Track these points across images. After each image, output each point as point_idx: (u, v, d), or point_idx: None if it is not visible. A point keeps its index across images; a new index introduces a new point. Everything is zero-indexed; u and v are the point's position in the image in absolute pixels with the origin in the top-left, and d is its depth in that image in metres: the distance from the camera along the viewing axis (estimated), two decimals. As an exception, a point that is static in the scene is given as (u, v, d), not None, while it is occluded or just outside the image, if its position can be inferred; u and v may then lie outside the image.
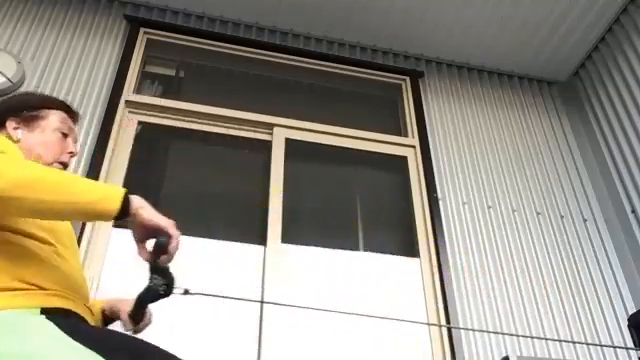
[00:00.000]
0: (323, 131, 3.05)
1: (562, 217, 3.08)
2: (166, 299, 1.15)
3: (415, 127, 3.21)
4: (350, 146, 3.07)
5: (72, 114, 1.45)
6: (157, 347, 1.06)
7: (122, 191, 1.08)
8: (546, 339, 2.59)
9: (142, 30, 3.12)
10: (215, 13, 3.29)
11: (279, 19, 3.32)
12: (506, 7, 3.19)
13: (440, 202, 2.92)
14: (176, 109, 2.89)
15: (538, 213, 3.06)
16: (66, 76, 2.82)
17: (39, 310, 1.06)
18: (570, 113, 3.58)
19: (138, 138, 2.78)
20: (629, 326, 2.64)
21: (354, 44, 3.48)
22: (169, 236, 1.09)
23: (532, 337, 2.57)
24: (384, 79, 3.44)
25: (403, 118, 3.31)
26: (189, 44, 3.19)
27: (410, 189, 2.97)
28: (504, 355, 2.38)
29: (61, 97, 2.70)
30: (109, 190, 1.08)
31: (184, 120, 2.89)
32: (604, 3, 3.18)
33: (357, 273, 2.60)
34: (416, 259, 2.72)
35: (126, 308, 1.32)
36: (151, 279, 1.14)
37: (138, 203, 1.10)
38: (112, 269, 2.32)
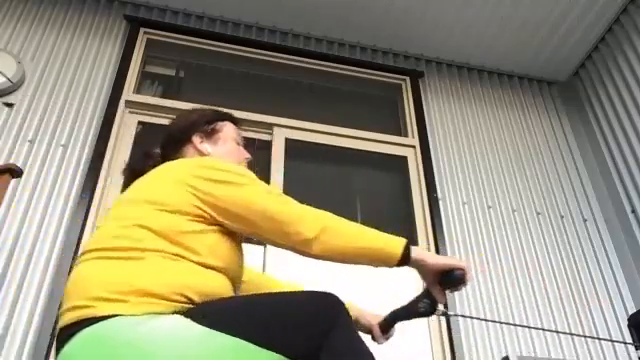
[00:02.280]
0: (323, 131, 3.05)
1: (562, 217, 3.08)
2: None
3: (415, 127, 3.21)
4: (350, 146, 3.07)
5: (238, 124, 1.54)
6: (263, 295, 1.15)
7: (403, 240, 1.19)
8: (544, 329, 2.59)
9: (142, 30, 3.12)
10: (215, 13, 3.29)
11: (279, 19, 3.32)
12: (506, 7, 3.19)
13: (440, 202, 2.92)
14: (176, 109, 2.89)
15: (538, 213, 3.06)
16: (66, 76, 2.82)
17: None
18: (570, 113, 3.58)
19: (138, 138, 2.78)
20: (629, 326, 2.64)
21: (354, 44, 3.48)
22: (463, 269, 1.21)
23: (530, 327, 2.57)
24: (384, 79, 3.44)
25: (403, 118, 3.31)
26: (189, 44, 3.19)
27: (410, 189, 2.97)
28: (504, 355, 2.37)
29: (61, 97, 2.73)
30: (392, 238, 1.20)
31: (184, 120, 2.89)
32: (604, 3, 3.18)
33: (357, 273, 2.60)
34: (416, 259, 2.71)
35: (375, 321, 1.43)
36: (420, 300, 1.30)
37: (419, 252, 1.21)
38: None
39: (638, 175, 2.96)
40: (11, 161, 2.44)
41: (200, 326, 0.99)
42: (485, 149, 3.24)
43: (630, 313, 2.73)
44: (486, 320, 2.54)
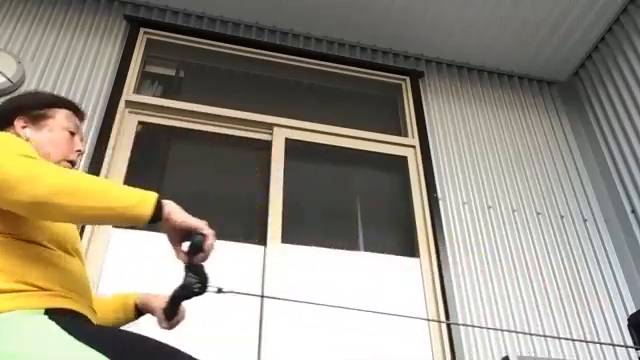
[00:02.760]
0: (323, 131, 3.05)
1: (562, 217, 3.08)
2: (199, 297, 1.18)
3: (415, 127, 3.21)
4: (350, 146, 3.07)
5: (78, 113, 1.47)
6: (167, 345, 1.05)
7: (154, 196, 1.10)
8: (544, 336, 2.59)
9: (142, 30, 3.12)
10: (215, 13, 3.29)
11: (279, 19, 3.32)
12: (506, 7, 3.19)
13: (440, 202, 2.92)
14: (176, 109, 2.89)
15: (538, 213, 3.06)
16: (66, 76, 2.82)
17: (43, 311, 1.06)
18: (570, 113, 3.58)
19: (138, 138, 2.78)
20: (629, 326, 2.64)
21: (354, 44, 3.48)
22: (204, 235, 1.12)
23: (530, 334, 2.57)
24: (384, 79, 3.44)
25: (403, 118, 3.31)
26: (189, 44, 3.19)
27: (410, 189, 2.97)
28: (504, 355, 2.37)
29: (61, 97, 2.73)
30: (142, 195, 1.10)
31: (184, 120, 2.89)
32: (604, 3, 3.18)
33: (357, 273, 2.60)
34: (416, 259, 2.72)
35: (160, 304, 1.35)
36: (186, 277, 1.16)
37: (170, 207, 1.12)
38: (112, 268, 2.32)
39: (638, 175, 2.96)
40: (11, 161, 2.44)
41: (68, 336, 0.98)
42: (485, 149, 3.24)
43: (630, 313, 2.73)
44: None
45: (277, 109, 3.05)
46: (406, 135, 3.21)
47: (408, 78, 3.42)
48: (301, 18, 3.30)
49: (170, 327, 1.34)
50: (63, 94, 2.74)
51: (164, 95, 3.08)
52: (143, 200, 1.09)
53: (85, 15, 3.09)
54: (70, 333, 1.00)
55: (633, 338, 2.56)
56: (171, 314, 1.33)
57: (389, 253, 2.71)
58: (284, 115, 3.03)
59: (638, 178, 2.96)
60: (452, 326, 2.49)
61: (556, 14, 3.23)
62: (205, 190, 2.80)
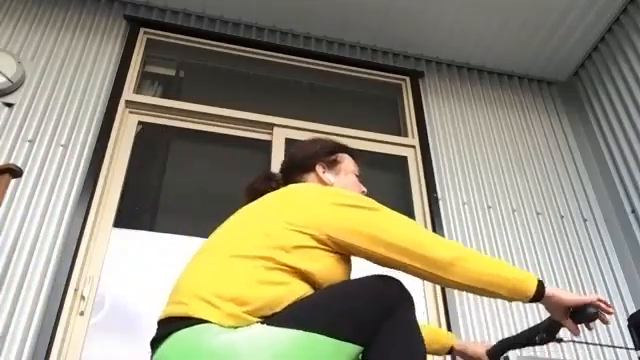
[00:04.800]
0: (323, 131, 3.05)
1: (562, 217, 3.08)
2: None
3: (415, 127, 3.21)
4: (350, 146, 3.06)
5: (356, 157, 1.59)
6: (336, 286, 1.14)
7: (536, 277, 1.21)
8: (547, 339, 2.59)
9: (142, 30, 3.12)
10: (215, 13, 3.29)
11: (279, 19, 3.32)
12: (506, 7, 3.19)
13: (440, 202, 2.92)
14: (176, 109, 2.89)
15: (538, 213, 3.06)
16: (66, 76, 2.82)
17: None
18: (570, 113, 3.58)
19: (138, 138, 2.78)
20: (629, 326, 2.63)
21: (354, 44, 3.48)
22: (598, 307, 1.22)
23: (531, 335, 2.57)
24: (384, 79, 3.44)
25: (403, 118, 3.31)
26: (189, 44, 3.19)
27: (410, 189, 2.97)
28: (504, 355, 2.37)
29: (61, 97, 2.74)
30: (526, 273, 1.20)
31: (184, 120, 2.89)
32: (604, 3, 3.18)
33: (357, 273, 2.60)
34: (416, 259, 2.71)
35: (482, 351, 1.48)
36: (539, 331, 1.32)
37: (552, 288, 1.23)
38: (112, 269, 2.33)
39: (638, 175, 2.96)
40: (11, 161, 2.45)
41: (274, 328, 1.02)
42: (485, 149, 3.24)
43: (630, 313, 2.73)
44: (599, 345, 2.53)
45: (277, 109, 3.05)
46: (406, 135, 3.21)
47: (408, 78, 3.42)
48: (301, 18, 3.30)
49: None
50: (63, 94, 2.75)
51: (164, 95, 3.08)
52: (529, 277, 1.19)
53: (85, 15, 3.09)
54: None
55: (633, 338, 2.56)
56: (496, 359, 1.44)
57: (389, 253, 2.70)
58: (284, 115, 3.03)
59: (638, 178, 2.96)
60: (453, 327, 2.49)
61: (556, 14, 3.23)
62: (205, 190, 2.80)
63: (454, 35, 3.38)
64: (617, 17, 3.26)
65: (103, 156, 2.59)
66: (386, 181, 3.18)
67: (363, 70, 3.40)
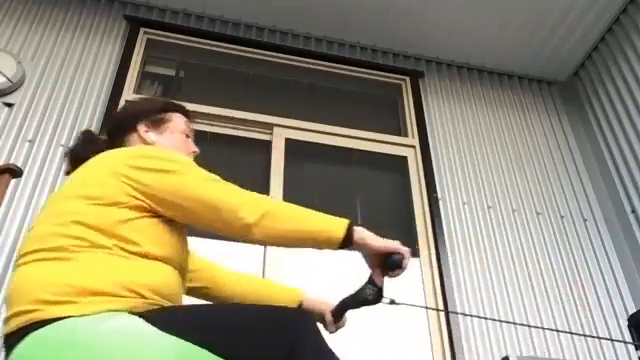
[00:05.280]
0: (323, 131, 3.05)
1: (562, 217, 3.08)
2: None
3: (415, 127, 3.21)
4: (350, 146, 3.06)
5: (189, 116, 1.49)
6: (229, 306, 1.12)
7: (346, 221, 1.18)
8: (544, 328, 2.59)
9: (142, 30, 3.12)
10: (215, 13, 3.29)
11: (279, 19, 3.32)
12: (506, 7, 3.18)
13: (440, 202, 2.92)
14: (176, 109, 2.89)
15: (538, 213, 3.06)
16: (66, 76, 2.82)
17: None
18: (570, 113, 3.58)
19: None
20: (629, 326, 2.64)
21: (354, 44, 3.48)
22: (401, 254, 1.21)
23: (530, 326, 2.57)
24: (384, 79, 3.44)
25: (403, 118, 3.31)
26: (189, 44, 3.19)
27: (410, 189, 2.97)
28: (504, 355, 2.37)
29: (61, 97, 2.73)
30: (334, 220, 1.18)
31: (184, 120, 2.89)
32: (604, 3, 3.18)
33: (357, 273, 2.60)
34: (416, 259, 2.72)
35: (328, 309, 1.42)
36: (365, 287, 1.28)
37: (363, 234, 1.19)
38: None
39: (638, 175, 2.96)
40: (11, 161, 2.44)
41: (155, 328, 0.97)
42: (485, 149, 3.24)
43: (630, 313, 2.73)
44: (449, 312, 2.54)
45: (277, 109, 3.05)
46: (406, 135, 3.21)
47: (408, 78, 3.42)
48: (301, 18, 3.30)
49: (333, 332, 1.41)
50: (63, 94, 2.75)
51: (164, 95, 3.08)
52: (336, 224, 1.16)
53: (85, 15, 3.09)
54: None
55: (633, 338, 2.56)
56: (338, 319, 1.41)
57: (389, 253, 2.70)
58: (284, 115, 3.03)
59: (638, 178, 2.96)
60: (452, 327, 2.49)
61: (556, 14, 3.23)
62: (205, 190, 2.80)
63: (454, 35, 3.38)
64: (617, 17, 3.26)
65: (103, 156, 2.58)
66: (386, 181, 3.18)
67: (363, 70, 3.40)
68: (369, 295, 1.27)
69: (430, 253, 2.72)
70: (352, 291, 1.31)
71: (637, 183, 2.96)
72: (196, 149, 1.46)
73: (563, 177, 3.26)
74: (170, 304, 1.11)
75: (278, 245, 1.17)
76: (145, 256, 1.09)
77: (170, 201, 1.13)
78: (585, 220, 3.11)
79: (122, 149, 1.25)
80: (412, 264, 2.70)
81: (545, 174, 3.24)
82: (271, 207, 1.14)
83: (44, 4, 3.06)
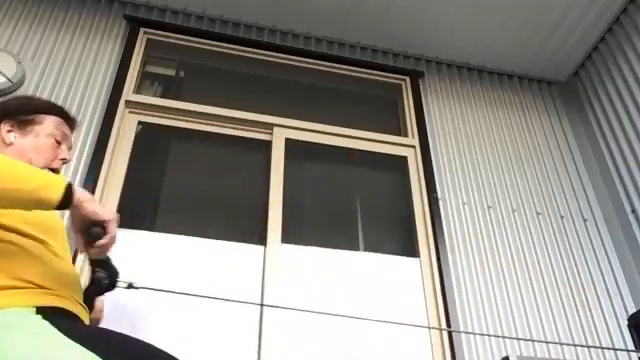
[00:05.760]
0: (323, 131, 3.05)
1: (562, 217, 3.08)
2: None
3: (415, 127, 3.21)
4: (350, 146, 3.07)
5: (69, 121, 1.44)
6: (156, 348, 1.05)
7: (65, 181, 1.08)
8: (547, 342, 2.59)
9: (142, 30, 3.12)
10: (215, 13, 3.29)
11: (279, 19, 3.32)
12: (506, 7, 3.19)
13: (440, 202, 2.92)
14: (176, 109, 2.89)
15: (538, 213, 3.06)
16: (66, 76, 2.82)
17: (34, 309, 1.06)
18: (570, 113, 3.58)
19: (138, 138, 2.78)
20: (629, 326, 2.64)
21: (354, 44, 3.48)
22: (104, 229, 1.09)
23: (532, 340, 2.57)
24: (384, 79, 3.44)
25: (403, 118, 3.31)
26: (189, 44, 3.19)
27: (410, 189, 2.97)
28: (504, 355, 2.37)
29: (61, 97, 2.73)
30: (52, 178, 1.07)
31: (184, 120, 2.89)
32: (604, 3, 3.18)
33: (357, 273, 2.60)
34: (416, 259, 2.72)
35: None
36: (93, 272, 1.17)
37: (82, 196, 1.09)
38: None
39: (638, 175, 2.96)
40: (11, 161, 2.44)
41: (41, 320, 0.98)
42: (485, 149, 3.24)
43: (630, 313, 2.73)
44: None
45: (277, 109, 3.05)
46: (406, 135, 3.21)
47: (408, 78, 3.42)
48: (301, 18, 3.30)
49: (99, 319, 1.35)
50: (63, 94, 2.75)
51: (164, 95, 3.08)
52: (53, 183, 1.06)
53: (85, 15, 3.09)
54: (62, 332, 0.99)
55: (633, 338, 2.56)
56: (92, 308, 1.31)
57: (389, 253, 2.71)
58: (284, 115, 3.03)
59: (638, 178, 2.96)
60: (452, 325, 2.48)
61: (556, 14, 3.23)
62: (205, 190, 2.81)
63: (454, 35, 3.38)
64: (617, 17, 3.26)
65: (103, 156, 2.58)
66: (386, 181, 3.18)
67: (363, 70, 3.40)
68: (105, 280, 1.19)
69: (430, 253, 2.72)
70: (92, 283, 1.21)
71: (637, 183, 2.96)
72: (66, 156, 1.40)
73: (563, 177, 3.26)
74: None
75: None
76: None
77: None
78: (585, 220, 3.11)
79: None
80: (412, 264, 2.72)
81: (545, 174, 3.24)
82: None
83: (44, 4, 3.06)
